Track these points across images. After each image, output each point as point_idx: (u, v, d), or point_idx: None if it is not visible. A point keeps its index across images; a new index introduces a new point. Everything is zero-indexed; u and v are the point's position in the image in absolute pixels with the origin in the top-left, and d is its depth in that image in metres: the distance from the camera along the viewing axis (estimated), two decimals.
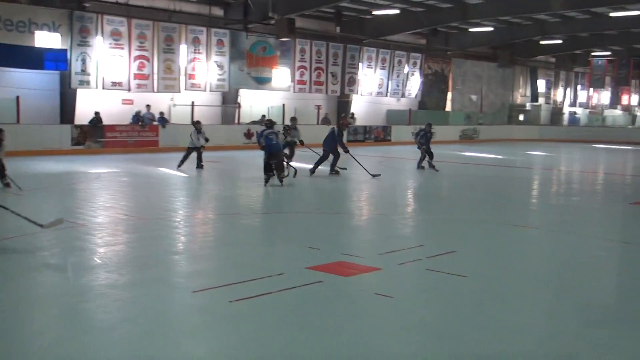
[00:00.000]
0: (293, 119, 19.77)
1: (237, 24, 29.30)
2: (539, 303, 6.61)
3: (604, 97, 52.98)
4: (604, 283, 7.60)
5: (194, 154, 18.43)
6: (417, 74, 38.02)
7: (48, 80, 24.39)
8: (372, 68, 35.33)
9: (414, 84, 38.04)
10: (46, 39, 23.57)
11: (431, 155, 19.67)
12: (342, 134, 18.51)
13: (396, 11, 30.50)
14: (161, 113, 26.29)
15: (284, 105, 30.49)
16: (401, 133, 34.55)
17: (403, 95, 37.69)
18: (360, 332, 5.54)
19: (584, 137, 41.27)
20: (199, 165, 18.48)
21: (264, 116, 29.55)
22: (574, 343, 5.40)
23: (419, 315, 6.11)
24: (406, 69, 37.20)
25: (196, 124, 19.47)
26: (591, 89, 50.26)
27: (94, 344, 5.10)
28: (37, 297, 6.35)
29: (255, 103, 30.71)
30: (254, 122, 29.00)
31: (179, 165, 18.14)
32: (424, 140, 19.73)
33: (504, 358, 5.00)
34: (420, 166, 19.90)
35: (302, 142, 18.50)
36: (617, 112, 55.22)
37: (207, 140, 19.03)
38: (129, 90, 25.81)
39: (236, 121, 29.18)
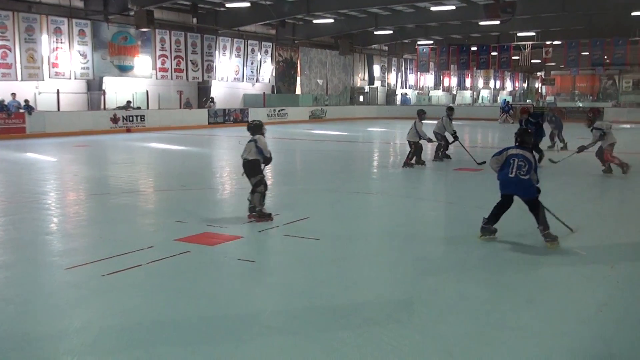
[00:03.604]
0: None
1: (97, 14, 27.85)
2: (380, 258, 6.91)
3: (429, 79, 55.49)
4: (435, 237, 8.05)
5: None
6: (268, 61, 38.01)
7: None
8: (227, 56, 34.91)
9: (267, 70, 38.03)
10: None
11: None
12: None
13: (247, 4, 30.19)
14: (26, 101, 24.54)
15: (147, 91, 29.57)
16: (257, 115, 34.43)
17: (257, 81, 37.59)
18: (226, 294, 5.55)
19: (414, 115, 42.98)
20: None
21: (129, 102, 28.49)
22: (410, 290, 5.71)
23: (277, 275, 6.20)
24: (259, 56, 37.08)
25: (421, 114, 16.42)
26: (418, 73, 52.48)
27: None
28: None
29: (120, 90, 29.49)
30: (119, 108, 27.91)
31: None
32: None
33: (353, 308, 5.18)
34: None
35: None
36: (440, 92, 58.17)
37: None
38: None
39: (102, 107, 27.91)
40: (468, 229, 8.32)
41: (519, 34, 41.39)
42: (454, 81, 57.78)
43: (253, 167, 8.35)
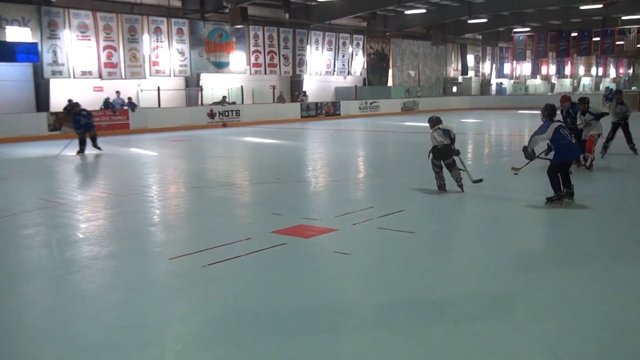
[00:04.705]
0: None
1: (194, 13, 28.80)
2: (478, 253, 6.74)
3: (525, 68, 53.71)
4: (532, 232, 7.78)
5: None
6: (360, 53, 37.99)
7: (22, 72, 23.67)
8: (319, 50, 35.18)
9: (358, 62, 38.03)
10: (17, 34, 22.83)
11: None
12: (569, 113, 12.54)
13: None
14: (129, 98, 25.82)
15: (242, 86, 30.28)
16: (349, 107, 34.62)
17: (349, 73, 37.67)
18: (322, 286, 5.59)
19: (510, 105, 42.00)
20: None
21: (224, 97, 29.28)
22: (510, 285, 5.53)
23: (373, 268, 6.18)
24: (350, 49, 37.13)
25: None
26: (514, 62, 50.91)
27: (82, 311, 5.04)
28: (26, 272, 6.22)
29: (216, 85, 30.38)
30: (215, 103, 28.75)
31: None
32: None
33: (450, 302, 5.10)
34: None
35: None
36: (538, 81, 56.16)
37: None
38: (101, 78, 25.27)
39: (199, 103, 28.86)
40: (570, 224, 8.00)
41: (623, 18, 39.20)
42: (552, 69, 55.60)
43: (448, 150, 9.62)
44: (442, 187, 9.91)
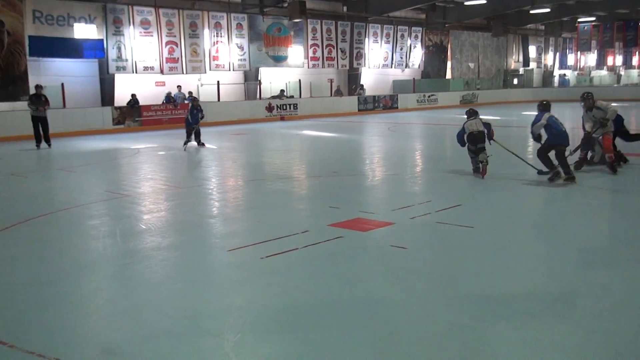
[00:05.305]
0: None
1: (253, 8, 29.08)
2: (540, 249, 6.60)
3: (590, 59, 52.06)
4: (598, 228, 7.55)
5: None
6: (418, 46, 37.59)
7: (88, 68, 24.49)
8: (377, 43, 34.98)
9: (417, 55, 37.63)
10: (84, 31, 23.61)
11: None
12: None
13: None
14: (190, 92, 26.28)
15: (299, 80, 30.41)
16: (407, 100, 34.30)
17: (407, 66, 37.33)
18: (378, 280, 5.57)
19: (573, 97, 40.46)
20: None
21: (282, 91, 29.48)
22: (573, 283, 5.39)
23: (430, 263, 6.12)
24: (408, 42, 36.78)
25: None
26: (578, 53, 49.40)
27: (144, 299, 5.18)
28: (91, 261, 6.43)
29: (274, 79, 30.63)
30: (273, 97, 28.98)
31: None
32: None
33: (509, 298, 5.00)
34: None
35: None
36: (603, 72, 54.30)
37: None
38: (162, 73, 25.85)
39: (258, 97, 29.16)
40: (634, 220, 7.72)
41: None
42: (618, 60, 53.62)
43: (482, 136, 10.71)
44: (476, 171, 10.88)
